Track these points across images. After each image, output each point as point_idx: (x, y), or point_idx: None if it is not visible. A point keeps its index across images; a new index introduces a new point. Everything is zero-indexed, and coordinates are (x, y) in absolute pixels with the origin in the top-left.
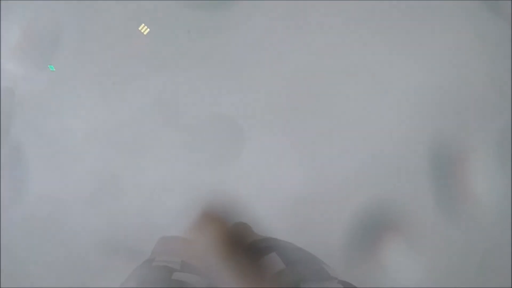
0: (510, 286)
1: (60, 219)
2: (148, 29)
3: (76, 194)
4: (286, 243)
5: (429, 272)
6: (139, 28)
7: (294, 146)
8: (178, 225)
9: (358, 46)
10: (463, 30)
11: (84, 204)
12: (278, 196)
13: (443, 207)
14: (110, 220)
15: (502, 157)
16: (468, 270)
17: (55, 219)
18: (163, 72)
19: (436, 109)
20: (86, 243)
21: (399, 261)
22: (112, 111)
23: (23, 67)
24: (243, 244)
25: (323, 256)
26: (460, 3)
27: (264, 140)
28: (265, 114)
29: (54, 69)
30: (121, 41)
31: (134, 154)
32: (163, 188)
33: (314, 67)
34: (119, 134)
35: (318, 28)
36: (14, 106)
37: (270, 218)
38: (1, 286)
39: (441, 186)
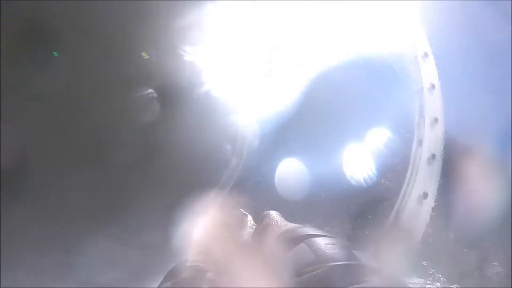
0: (510, 286)
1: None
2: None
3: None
4: (313, 230)
5: (429, 272)
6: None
7: (294, 146)
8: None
9: (357, 45)
10: (463, 30)
11: (86, 203)
12: (278, 196)
13: (443, 207)
14: (112, 220)
15: (502, 157)
16: (468, 270)
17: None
18: (163, 73)
19: (436, 110)
20: (87, 243)
21: (399, 261)
22: (114, 108)
23: (23, 66)
24: (273, 234)
25: None
26: (460, 3)
27: (267, 138)
28: (265, 113)
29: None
30: (121, 41)
31: (136, 150)
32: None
33: (313, 67)
34: (121, 128)
35: (317, 28)
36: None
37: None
38: (1, 286)
39: (441, 186)
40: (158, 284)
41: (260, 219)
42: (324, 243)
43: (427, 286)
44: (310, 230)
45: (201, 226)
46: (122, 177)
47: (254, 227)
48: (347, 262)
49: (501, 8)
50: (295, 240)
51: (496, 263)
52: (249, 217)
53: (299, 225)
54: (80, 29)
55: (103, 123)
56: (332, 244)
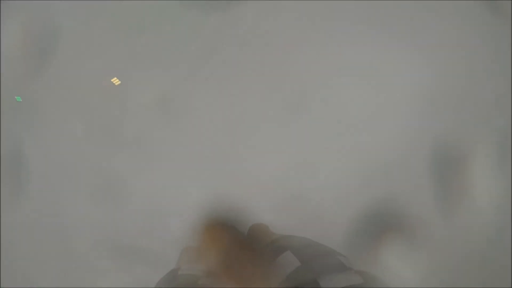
0: (510, 286)
1: (61, 219)
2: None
3: (78, 194)
4: (300, 239)
5: (429, 272)
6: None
7: (296, 147)
8: (182, 227)
9: (358, 47)
10: (463, 30)
11: (85, 204)
12: (280, 198)
13: (443, 207)
14: (112, 221)
15: (502, 157)
16: (468, 270)
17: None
18: (163, 74)
19: (436, 109)
20: (87, 243)
21: (399, 261)
22: (113, 111)
23: (23, 67)
24: (260, 246)
25: None
26: (460, 3)
27: (266, 140)
28: (266, 115)
29: None
30: (122, 42)
31: (135, 154)
32: (164, 191)
33: (315, 68)
34: (119, 135)
35: (317, 29)
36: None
37: (272, 220)
38: (1, 286)
39: (441, 186)
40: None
41: (248, 230)
42: (311, 250)
43: None
44: (298, 238)
45: (194, 235)
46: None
47: (242, 238)
48: (333, 269)
49: None
50: (281, 248)
51: (496, 264)
52: (239, 229)
53: (287, 234)
54: None
55: None
56: (319, 251)
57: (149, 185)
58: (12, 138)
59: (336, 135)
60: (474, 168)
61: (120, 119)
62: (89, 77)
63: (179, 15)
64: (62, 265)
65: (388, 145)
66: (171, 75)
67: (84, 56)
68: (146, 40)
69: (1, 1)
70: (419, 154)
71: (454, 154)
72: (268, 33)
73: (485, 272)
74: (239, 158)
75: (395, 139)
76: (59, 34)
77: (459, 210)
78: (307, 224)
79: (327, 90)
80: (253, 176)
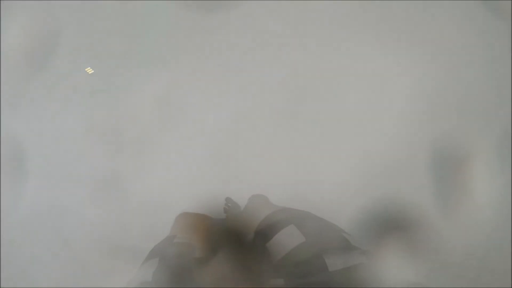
0: (510, 286)
1: (61, 218)
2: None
3: (77, 194)
4: (303, 213)
5: (429, 272)
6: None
7: (296, 148)
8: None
9: (357, 48)
10: (463, 30)
11: (85, 204)
12: (280, 198)
13: (443, 207)
14: (111, 220)
15: (502, 158)
16: (467, 270)
17: (55, 218)
18: (162, 74)
19: (436, 110)
20: (87, 243)
21: (399, 261)
22: (112, 110)
23: (23, 67)
24: (260, 216)
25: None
26: (460, 3)
27: (265, 140)
28: (266, 115)
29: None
30: (120, 42)
31: (135, 154)
32: (164, 187)
33: (314, 69)
34: (119, 134)
35: (318, 29)
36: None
37: None
38: (1, 286)
39: (441, 187)
40: (142, 261)
41: (247, 202)
42: (315, 225)
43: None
44: (299, 212)
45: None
46: None
47: (241, 210)
48: (337, 245)
49: None
50: (283, 221)
51: (496, 264)
52: (235, 201)
53: (288, 207)
54: None
55: None
56: (323, 226)
57: (149, 185)
58: (12, 138)
59: (337, 136)
60: (474, 168)
61: (120, 119)
62: (89, 77)
63: (178, 15)
64: (62, 265)
65: (389, 146)
66: (170, 76)
67: (84, 56)
68: (146, 40)
69: (1, 1)
70: (420, 154)
71: (455, 154)
72: (268, 34)
73: (485, 272)
74: (240, 158)
75: (395, 139)
76: (59, 34)
77: (460, 210)
78: None
79: (328, 91)
80: (253, 176)
